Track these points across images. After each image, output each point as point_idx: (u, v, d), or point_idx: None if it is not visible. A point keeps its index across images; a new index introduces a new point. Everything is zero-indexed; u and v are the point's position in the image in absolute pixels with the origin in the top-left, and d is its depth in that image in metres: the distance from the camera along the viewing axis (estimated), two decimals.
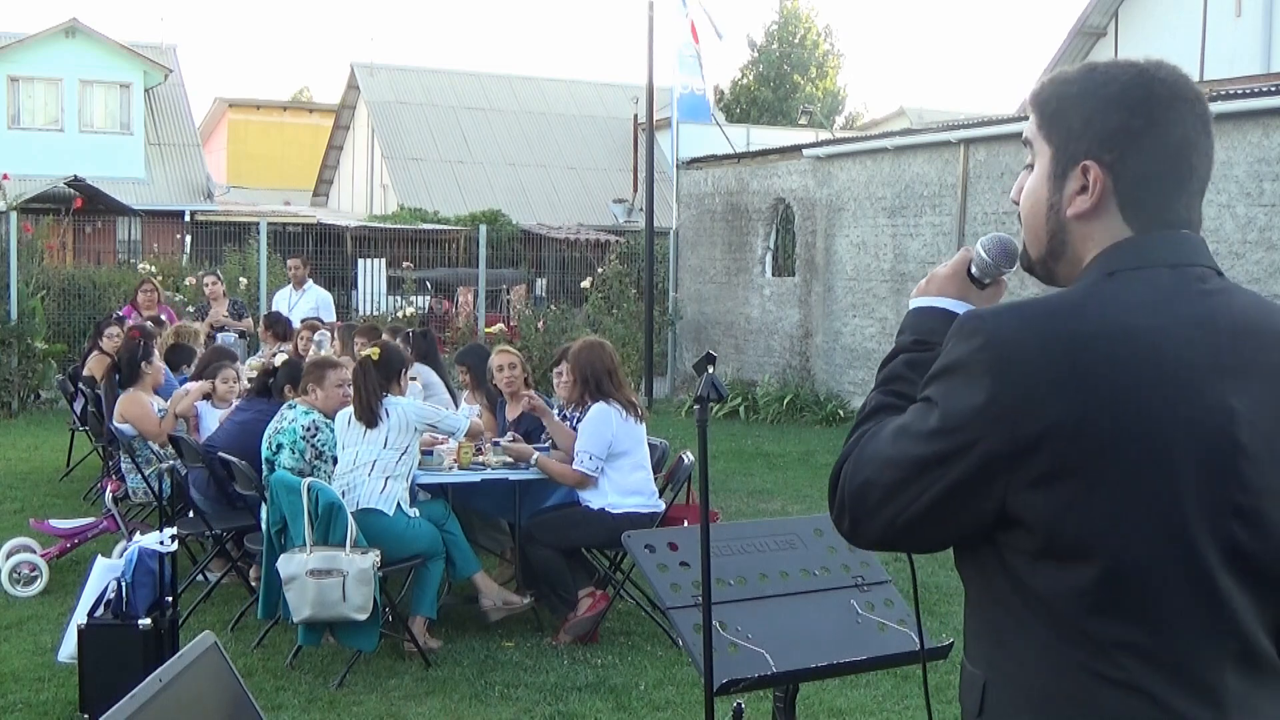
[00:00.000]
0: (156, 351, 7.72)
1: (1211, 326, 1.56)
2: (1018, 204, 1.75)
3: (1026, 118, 1.76)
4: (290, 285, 12.74)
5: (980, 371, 1.53)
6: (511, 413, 6.97)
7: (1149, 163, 1.62)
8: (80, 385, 9.86)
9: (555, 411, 6.67)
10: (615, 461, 6.11)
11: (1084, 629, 1.53)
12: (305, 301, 12.19)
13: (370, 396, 5.82)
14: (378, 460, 5.76)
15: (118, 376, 7.65)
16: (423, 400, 7.23)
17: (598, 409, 6.11)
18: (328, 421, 6.10)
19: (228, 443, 6.58)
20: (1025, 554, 1.56)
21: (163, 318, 10.95)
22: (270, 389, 6.85)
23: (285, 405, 6.32)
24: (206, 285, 12.69)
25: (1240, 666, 1.55)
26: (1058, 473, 1.51)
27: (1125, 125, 1.61)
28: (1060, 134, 1.65)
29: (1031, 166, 1.71)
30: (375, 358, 5.91)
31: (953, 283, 1.84)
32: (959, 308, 1.79)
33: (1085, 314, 1.55)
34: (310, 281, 12.81)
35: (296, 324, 11.02)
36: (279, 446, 6.07)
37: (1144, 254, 1.61)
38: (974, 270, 1.84)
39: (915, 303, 1.85)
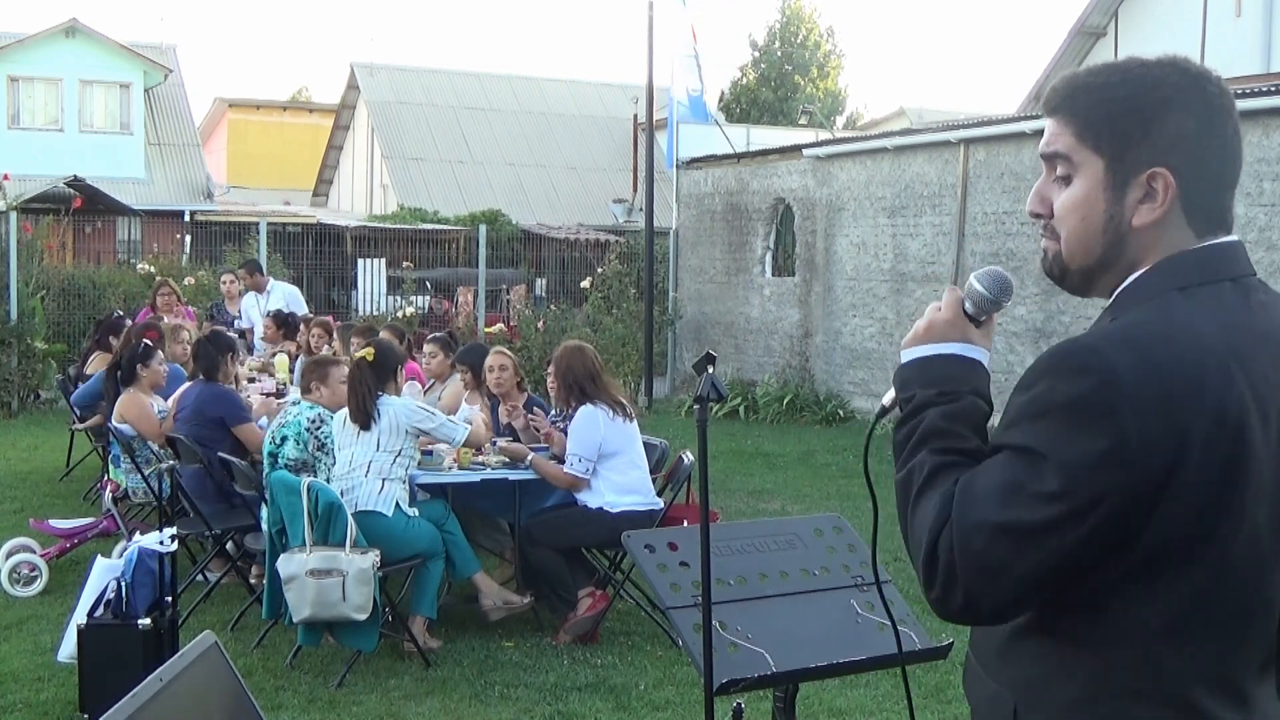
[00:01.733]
0: (161, 352, 7.72)
1: (1276, 342, 1.57)
2: (1037, 216, 1.70)
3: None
4: (251, 294, 12.23)
5: (1101, 414, 1.46)
6: (504, 415, 6.99)
7: (1211, 165, 1.60)
8: (80, 385, 9.84)
9: (554, 412, 6.71)
10: (609, 461, 6.12)
11: (1150, 650, 1.52)
12: (273, 302, 11.93)
13: (365, 398, 5.82)
14: (373, 462, 5.77)
15: (119, 374, 7.67)
16: (420, 400, 7.24)
17: (584, 412, 6.12)
18: (331, 415, 6.13)
19: (193, 426, 6.80)
20: (1111, 577, 1.52)
21: (179, 320, 10.82)
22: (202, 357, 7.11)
23: (291, 402, 6.38)
24: (223, 283, 12.54)
25: (1260, 671, 1.58)
26: (1182, 497, 1.48)
27: (1186, 129, 1.58)
28: (1115, 143, 1.60)
29: (1065, 179, 1.65)
30: (370, 358, 5.91)
31: (955, 327, 1.74)
32: (971, 351, 1.73)
33: (1182, 340, 1.51)
34: (271, 280, 12.59)
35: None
36: (283, 439, 6.10)
37: (1208, 267, 1.59)
38: (969, 308, 1.76)
39: (915, 353, 1.75)
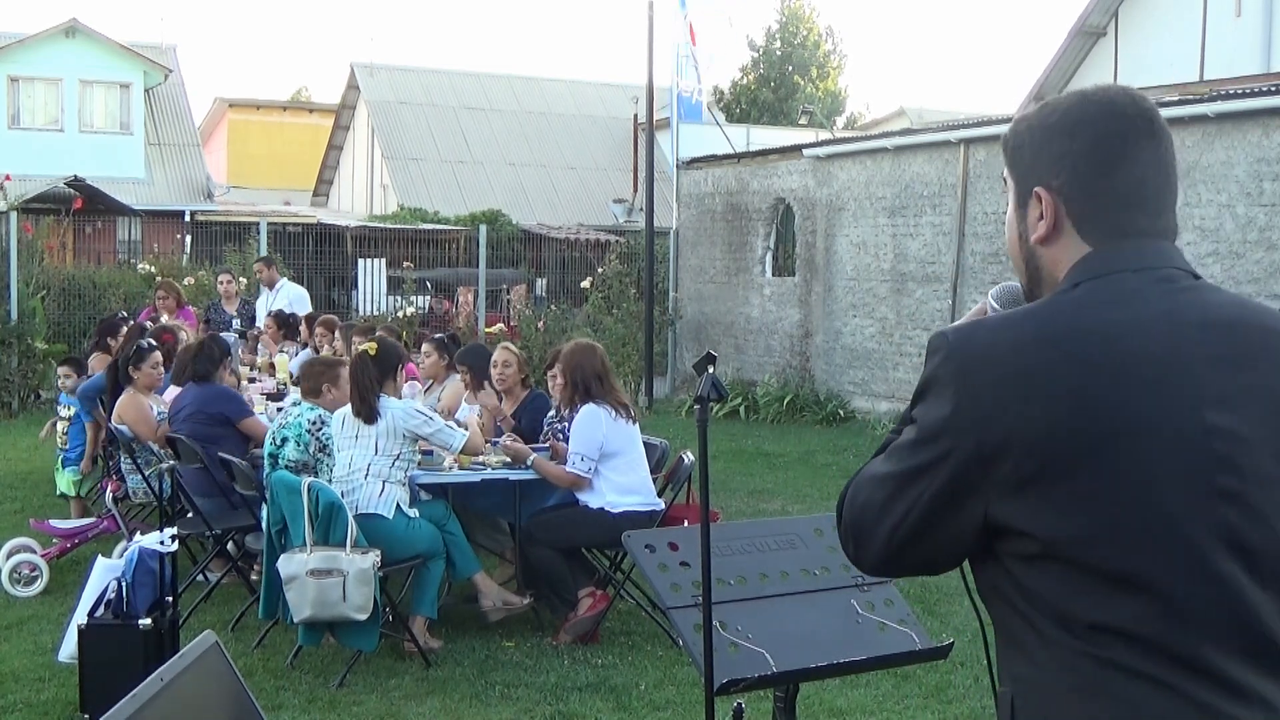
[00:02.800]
0: (157, 354, 7.71)
1: (1178, 318, 1.60)
2: None
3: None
4: (263, 289, 12.50)
5: (945, 383, 1.60)
6: (507, 408, 7.00)
7: (1093, 179, 1.67)
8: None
9: (552, 411, 6.72)
10: (611, 461, 6.12)
11: (1096, 628, 1.54)
12: (279, 301, 12.03)
13: (367, 390, 5.82)
14: (371, 465, 5.76)
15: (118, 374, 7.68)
16: (420, 400, 7.24)
17: (587, 410, 6.13)
18: (332, 416, 6.13)
19: (194, 425, 6.80)
20: (1025, 559, 1.58)
21: (179, 321, 10.82)
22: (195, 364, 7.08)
23: (291, 403, 6.37)
24: (220, 283, 12.57)
25: (1254, 660, 1.56)
26: (1033, 475, 1.55)
27: (1066, 149, 1.69)
28: (1019, 168, 1.75)
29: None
30: (373, 352, 5.91)
31: None
32: None
33: (1044, 320, 1.61)
34: (283, 280, 12.72)
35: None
36: (284, 440, 6.10)
37: (1107, 263, 1.66)
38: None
39: None
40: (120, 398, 7.41)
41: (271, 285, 12.38)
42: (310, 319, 11.02)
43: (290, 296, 12.25)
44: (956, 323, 1.70)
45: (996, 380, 1.56)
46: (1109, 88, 1.73)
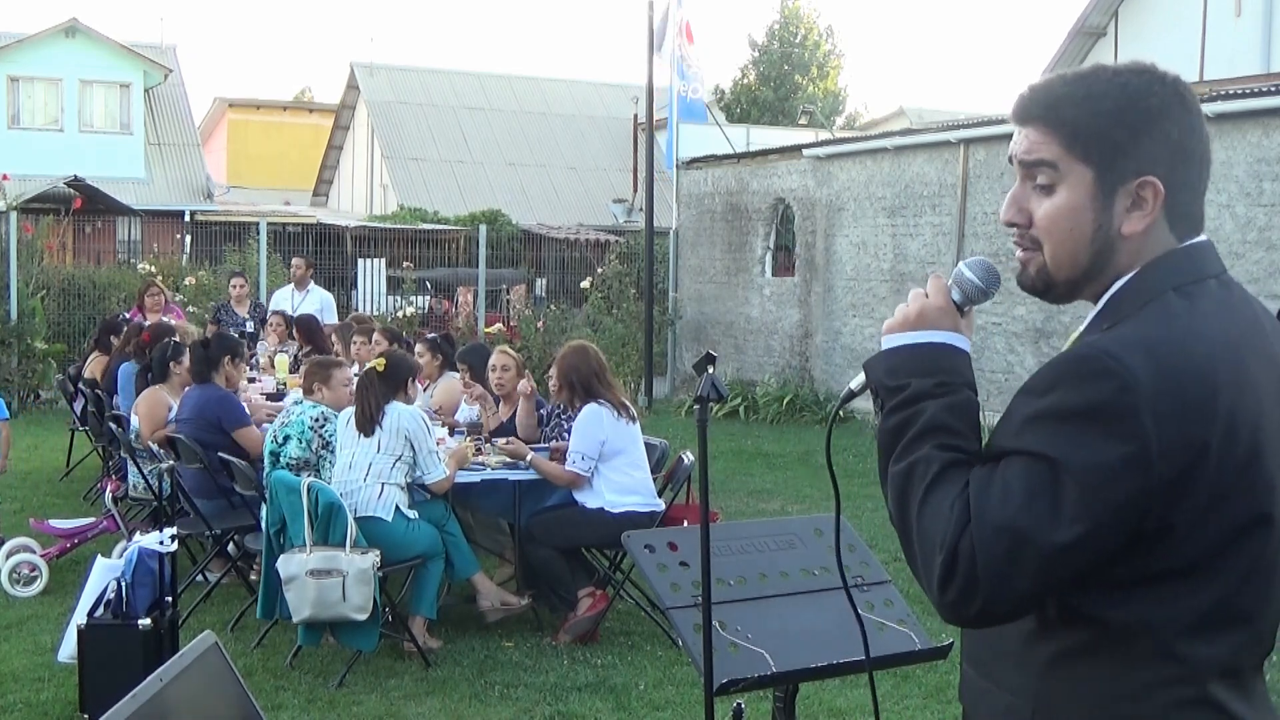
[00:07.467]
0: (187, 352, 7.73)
1: (1262, 330, 1.61)
2: (1013, 225, 1.68)
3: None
4: (291, 285, 12.73)
5: (1122, 418, 1.47)
6: (505, 414, 6.99)
7: (1192, 171, 1.62)
8: (80, 385, 9.85)
9: (561, 406, 6.73)
10: (611, 461, 6.12)
11: (1173, 647, 1.52)
12: (309, 303, 12.14)
13: (372, 405, 5.81)
14: (373, 464, 5.76)
15: (149, 375, 7.68)
16: (420, 398, 7.23)
17: (589, 409, 6.13)
18: (335, 413, 6.12)
19: (194, 428, 6.75)
20: (1128, 580, 1.52)
21: (170, 319, 10.87)
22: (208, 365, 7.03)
23: (292, 401, 6.37)
24: (233, 287, 12.61)
25: (1260, 662, 1.62)
26: (1200, 498, 1.50)
27: (1172, 137, 1.60)
28: (1104, 153, 1.60)
29: (1047, 187, 1.64)
30: (381, 369, 5.90)
31: (948, 315, 1.71)
32: (962, 343, 1.71)
33: (1192, 345, 1.52)
34: (312, 282, 12.80)
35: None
36: (285, 438, 6.10)
37: (1195, 266, 1.61)
38: (956, 297, 1.74)
39: (907, 339, 1.71)
40: (144, 391, 7.46)
41: (302, 285, 12.50)
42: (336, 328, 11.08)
43: (321, 301, 12.36)
44: (1112, 343, 1.52)
45: (1178, 409, 1.46)
46: (1167, 72, 1.63)
